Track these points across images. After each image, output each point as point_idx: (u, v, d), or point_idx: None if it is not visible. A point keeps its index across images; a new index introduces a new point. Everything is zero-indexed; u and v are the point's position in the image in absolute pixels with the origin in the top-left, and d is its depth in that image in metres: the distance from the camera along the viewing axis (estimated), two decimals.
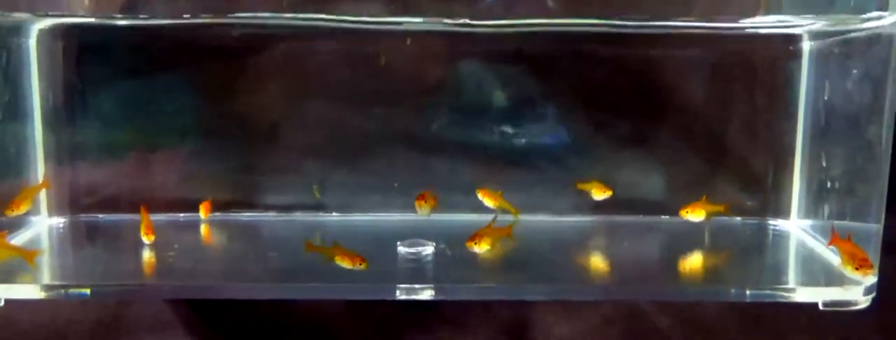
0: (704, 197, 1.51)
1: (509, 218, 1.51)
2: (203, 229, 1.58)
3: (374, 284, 1.29)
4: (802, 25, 1.46)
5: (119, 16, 1.41)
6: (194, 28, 1.48)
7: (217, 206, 1.59)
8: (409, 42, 1.54)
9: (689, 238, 1.53)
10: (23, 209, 1.40)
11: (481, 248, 1.35)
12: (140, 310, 1.60)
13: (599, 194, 1.53)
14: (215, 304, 1.54)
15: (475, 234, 1.36)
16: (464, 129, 1.60)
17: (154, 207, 1.53)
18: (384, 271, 1.34)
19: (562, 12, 1.38)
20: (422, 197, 1.42)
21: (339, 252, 1.28)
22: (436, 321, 1.60)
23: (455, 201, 1.56)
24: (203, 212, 1.57)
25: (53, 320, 1.56)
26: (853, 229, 1.36)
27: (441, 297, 1.30)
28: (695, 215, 1.49)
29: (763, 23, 1.45)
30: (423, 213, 1.42)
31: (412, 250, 1.42)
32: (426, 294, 1.30)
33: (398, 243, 1.44)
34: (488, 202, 1.50)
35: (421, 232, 1.46)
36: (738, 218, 1.62)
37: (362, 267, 1.27)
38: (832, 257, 1.40)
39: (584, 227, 1.60)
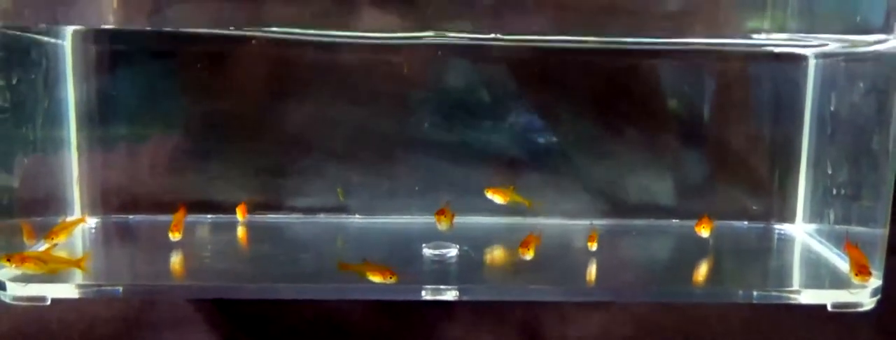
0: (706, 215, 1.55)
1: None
2: (230, 230, 1.61)
3: (399, 285, 1.32)
4: (809, 45, 1.52)
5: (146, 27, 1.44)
6: (222, 35, 1.53)
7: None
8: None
9: (697, 241, 1.56)
10: (61, 239, 1.45)
11: (531, 255, 1.40)
12: (164, 308, 1.63)
13: (591, 245, 1.53)
14: (237, 301, 1.57)
15: (525, 241, 1.40)
16: (485, 134, 1.64)
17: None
18: (411, 272, 1.38)
19: (580, 29, 1.43)
20: (441, 212, 1.46)
21: (370, 268, 1.31)
22: (451, 318, 1.64)
23: (474, 204, 1.60)
24: (240, 214, 1.60)
25: (80, 317, 1.59)
26: (858, 234, 1.41)
27: (466, 298, 1.33)
28: (705, 231, 1.53)
29: (769, 40, 1.50)
30: (442, 227, 1.46)
31: (436, 252, 1.46)
32: (450, 295, 1.33)
33: (423, 245, 1.48)
34: (499, 199, 1.54)
35: (442, 234, 1.49)
36: (745, 222, 1.67)
37: (393, 280, 1.30)
38: (837, 260, 1.45)
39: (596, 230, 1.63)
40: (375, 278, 1.30)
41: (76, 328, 1.58)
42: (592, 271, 1.46)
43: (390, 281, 1.30)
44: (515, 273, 1.43)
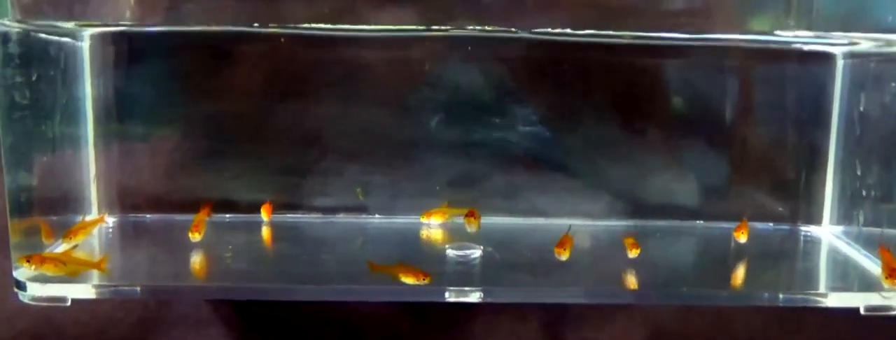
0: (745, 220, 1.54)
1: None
2: (249, 230, 1.59)
3: (422, 286, 1.30)
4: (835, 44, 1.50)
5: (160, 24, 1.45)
6: (239, 33, 1.52)
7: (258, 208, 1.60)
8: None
9: (723, 243, 1.55)
10: (80, 238, 1.44)
11: (566, 256, 1.38)
12: (179, 308, 1.62)
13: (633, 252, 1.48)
14: (255, 301, 1.56)
15: (560, 242, 1.39)
16: (504, 133, 1.62)
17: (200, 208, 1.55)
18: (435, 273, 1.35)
19: (602, 24, 1.41)
20: (470, 214, 1.47)
21: (403, 269, 1.29)
22: (473, 319, 1.63)
23: (494, 205, 1.60)
24: (265, 214, 1.58)
25: (94, 317, 1.58)
26: (889, 236, 1.39)
27: (490, 300, 1.32)
28: (743, 236, 1.51)
29: (795, 38, 1.48)
30: (471, 229, 1.47)
31: (460, 253, 1.44)
32: (475, 297, 1.32)
33: (447, 246, 1.46)
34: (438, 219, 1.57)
35: (462, 235, 1.49)
36: (770, 224, 1.65)
37: (426, 281, 1.28)
38: (867, 263, 1.44)
39: (618, 232, 1.60)
40: (408, 279, 1.29)
41: (91, 328, 1.57)
42: (619, 273, 1.44)
43: (424, 282, 1.28)
44: (543, 274, 1.41)
